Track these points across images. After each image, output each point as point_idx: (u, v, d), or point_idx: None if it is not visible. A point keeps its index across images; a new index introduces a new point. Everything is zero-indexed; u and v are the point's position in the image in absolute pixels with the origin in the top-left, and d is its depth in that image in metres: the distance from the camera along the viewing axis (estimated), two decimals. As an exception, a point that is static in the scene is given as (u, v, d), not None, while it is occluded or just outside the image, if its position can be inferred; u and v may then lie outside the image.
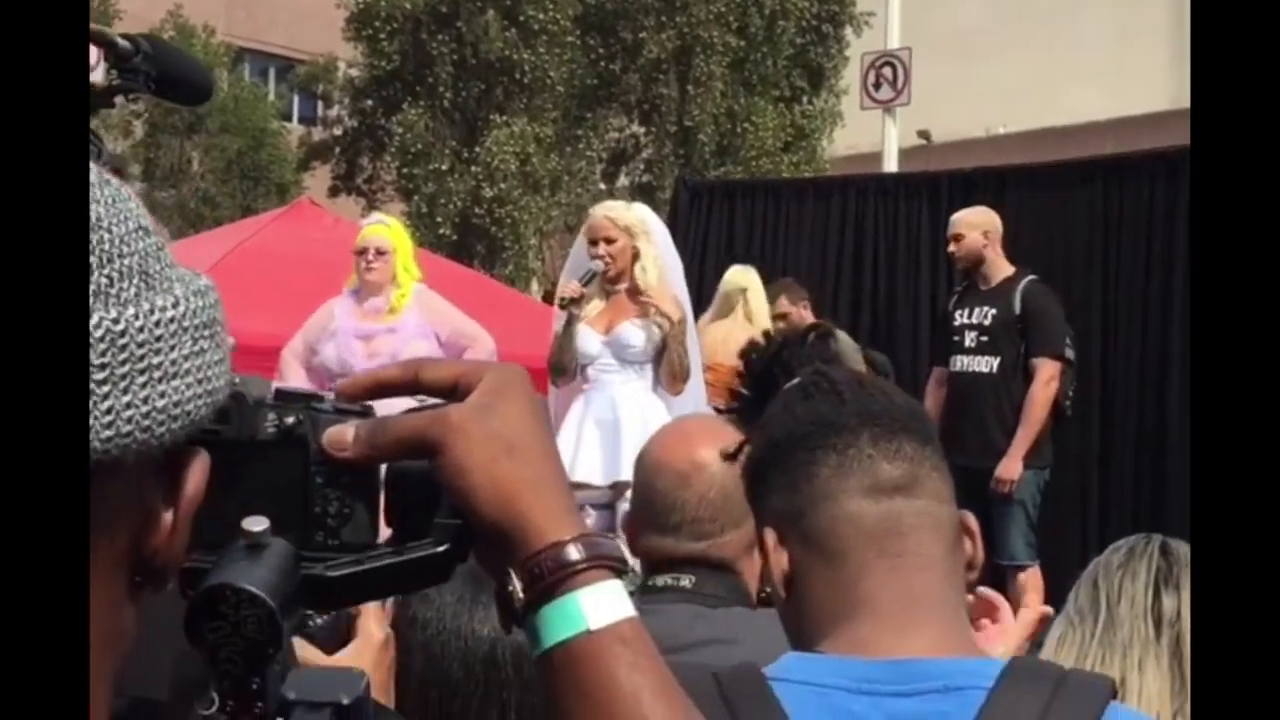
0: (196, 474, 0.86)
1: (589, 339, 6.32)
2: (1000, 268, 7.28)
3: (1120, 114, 22.42)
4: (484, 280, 12.65)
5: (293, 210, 11.50)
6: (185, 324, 0.83)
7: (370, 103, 21.58)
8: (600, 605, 0.96)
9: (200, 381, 0.84)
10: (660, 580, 2.48)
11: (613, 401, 6.29)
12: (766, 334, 1.85)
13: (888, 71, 16.88)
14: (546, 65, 19.83)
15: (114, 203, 0.82)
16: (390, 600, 2.04)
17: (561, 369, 6.39)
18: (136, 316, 0.80)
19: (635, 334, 6.26)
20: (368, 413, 1.01)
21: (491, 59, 19.80)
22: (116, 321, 0.79)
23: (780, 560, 1.61)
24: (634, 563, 2.52)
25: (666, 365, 6.22)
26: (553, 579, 0.96)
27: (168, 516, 0.85)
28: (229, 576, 0.91)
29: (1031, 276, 7.27)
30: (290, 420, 0.98)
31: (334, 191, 21.95)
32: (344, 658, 1.81)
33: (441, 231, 19.24)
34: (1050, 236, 8.40)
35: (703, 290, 9.79)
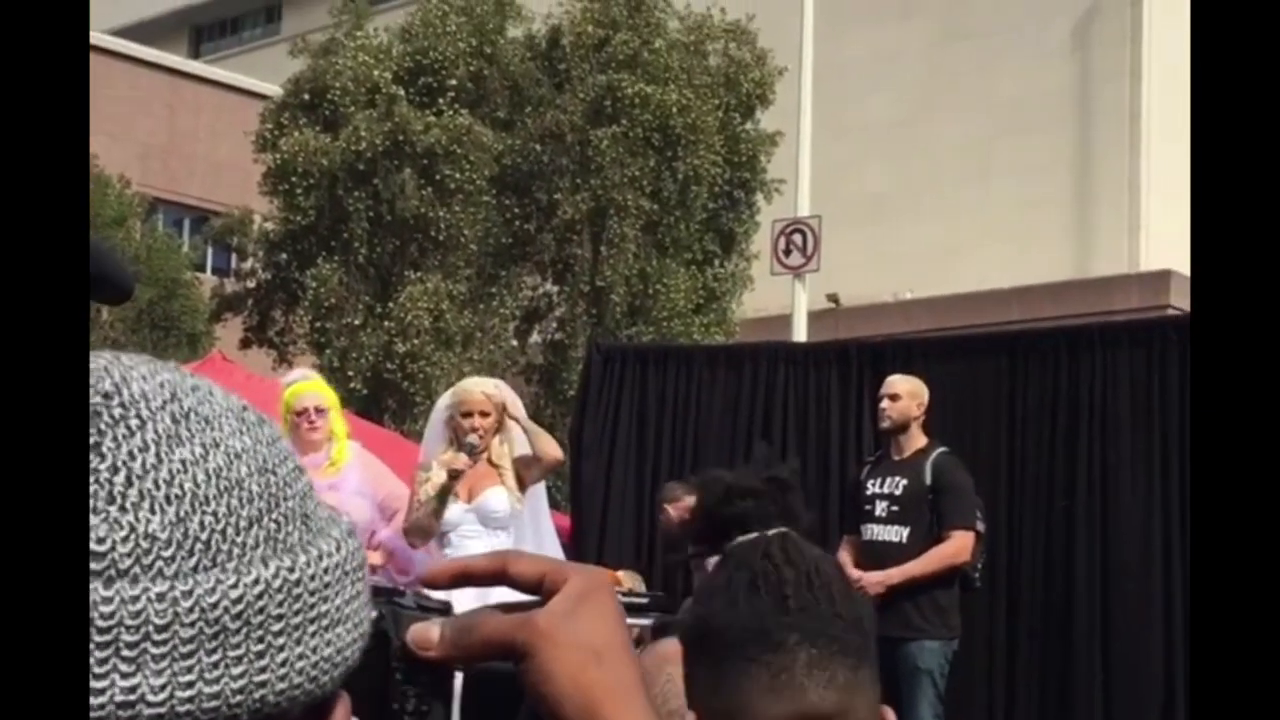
0: (340, 716, 0.86)
1: (452, 507, 6.56)
2: (916, 440, 7.41)
3: (1024, 282, 22.91)
4: (397, 438, 12.62)
5: (205, 365, 11.43)
6: (346, 568, 0.83)
7: (284, 256, 21.61)
8: None
9: (357, 625, 0.84)
10: None
11: None
12: (727, 487, 1.81)
13: (798, 238, 17.21)
14: (461, 223, 19.99)
15: (274, 442, 0.83)
16: None
17: (426, 533, 6.66)
18: (308, 564, 0.80)
19: (499, 499, 6.61)
20: (448, 610, 1.02)
21: (407, 216, 19.93)
22: (292, 570, 0.79)
23: None
24: None
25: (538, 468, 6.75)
26: None
27: None
28: None
29: (942, 449, 7.40)
30: (372, 615, 0.97)
31: (245, 343, 21.83)
32: None
33: (353, 385, 19.18)
34: (957, 407, 8.55)
35: (613, 454, 9.85)
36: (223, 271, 26.84)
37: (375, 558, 6.92)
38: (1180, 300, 19.76)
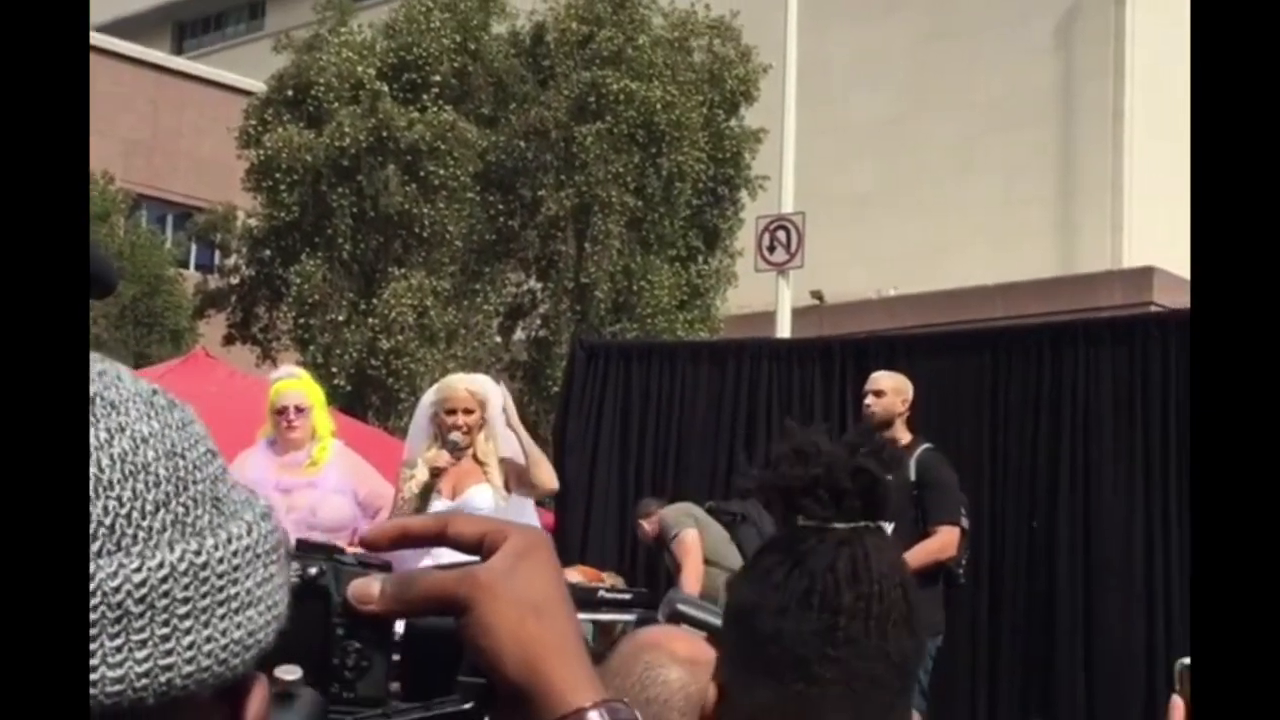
0: (257, 701, 0.85)
1: (435, 505, 6.56)
2: (901, 435, 7.42)
3: (1007, 279, 22.95)
4: (381, 435, 12.61)
5: (188, 362, 11.44)
6: (258, 550, 0.83)
7: (268, 252, 21.57)
8: None
9: (270, 608, 0.84)
10: None
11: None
12: (800, 450, 1.62)
13: (781, 235, 17.21)
14: (445, 220, 19.97)
15: (185, 426, 0.82)
16: None
17: None
18: (216, 547, 0.80)
19: (483, 496, 6.57)
20: (388, 567, 1.02)
21: (391, 213, 19.90)
22: (199, 553, 0.79)
23: (708, 702, 1.63)
24: None
25: (533, 479, 6.69)
26: None
27: None
28: None
29: (927, 445, 7.41)
30: (313, 571, 0.99)
31: (229, 340, 21.79)
32: None
33: (336, 382, 19.15)
34: (940, 404, 8.56)
35: (597, 448, 9.85)
36: (206, 268, 26.80)
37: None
38: (1163, 297, 19.81)
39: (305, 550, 1.01)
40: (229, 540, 0.81)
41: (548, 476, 6.78)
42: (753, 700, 1.57)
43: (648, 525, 8.33)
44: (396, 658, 1.06)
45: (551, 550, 1.03)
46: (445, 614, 0.99)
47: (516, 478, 6.69)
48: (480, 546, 1.00)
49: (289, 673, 0.94)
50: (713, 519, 8.03)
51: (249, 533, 0.83)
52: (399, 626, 1.05)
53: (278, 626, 0.85)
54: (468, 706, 1.01)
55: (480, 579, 0.98)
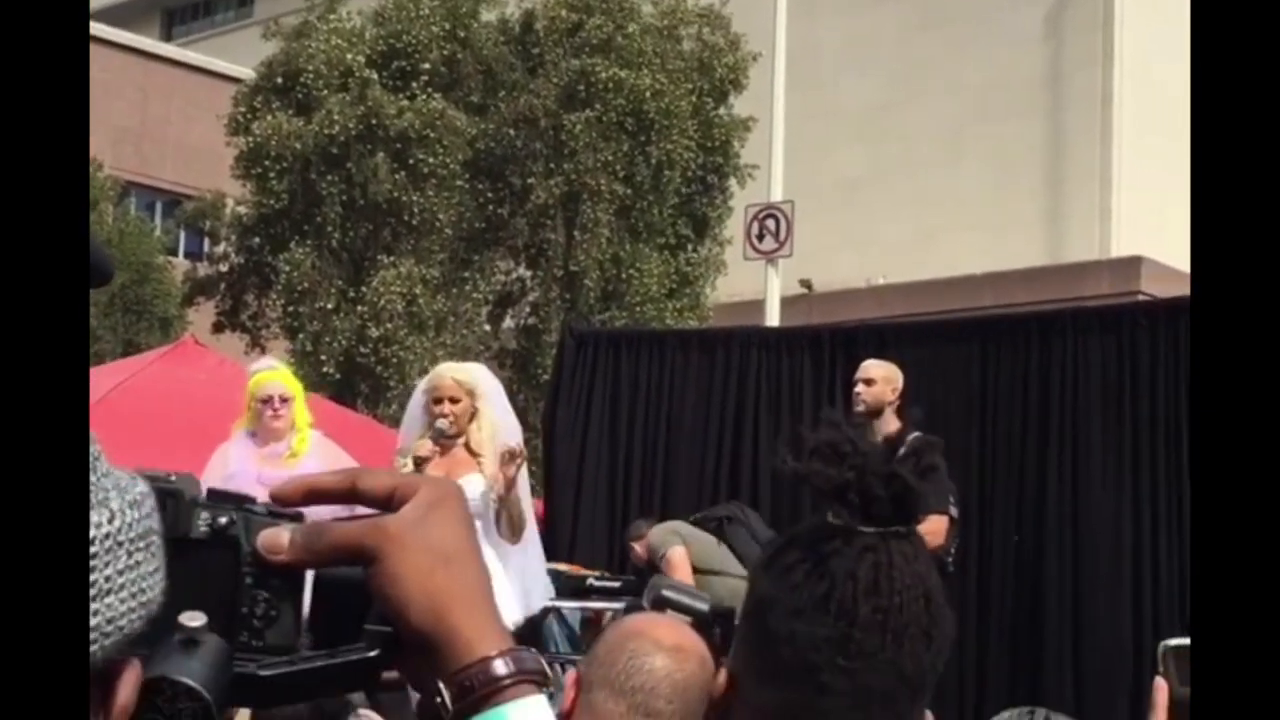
0: (128, 684, 0.86)
1: None
2: (890, 424, 7.42)
3: (997, 267, 22.98)
4: (370, 424, 12.61)
5: (177, 350, 11.41)
6: (120, 539, 0.83)
7: (257, 240, 21.54)
8: (527, 719, 0.99)
9: (134, 595, 0.84)
10: None
11: None
12: (834, 448, 1.54)
13: (770, 223, 17.22)
14: (435, 207, 19.94)
15: None
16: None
17: None
18: None
19: (475, 487, 6.47)
20: (299, 518, 1.02)
21: (380, 200, 19.88)
22: None
23: (718, 686, 1.62)
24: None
25: (506, 519, 6.50)
26: (482, 692, 0.98)
27: None
28: (166, 669, 0.92)
29: (916, 433, 7.41)
30: (223, 520, 0.99)
31: (218, 328, 21.77)
32: None
33: (326, 370, 19.16)
34: (929, 393, 8.57)
35: (587, 437, 9.86)
36: (195, 255, 26.74)
37: None
38: (1151, 286, 19.85)
39: (215, 500, 1.01)
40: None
41: (513, 529, 6.58)
42: (761, 698, 1.55)
43: (639, 548, 8.33)
44: None
45: (463, 502, 1.04)
46: (354, 564, 0.99)
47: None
48: (390, 502, 1.01)
49: (193, 619, 0.95)
50: (700, 529, 8.03)
51: (110, 520, 0.83)
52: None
53: (146, 613, 0.85)
54: (373, 654, 1.01)
55: (389, 529, 0.99)
